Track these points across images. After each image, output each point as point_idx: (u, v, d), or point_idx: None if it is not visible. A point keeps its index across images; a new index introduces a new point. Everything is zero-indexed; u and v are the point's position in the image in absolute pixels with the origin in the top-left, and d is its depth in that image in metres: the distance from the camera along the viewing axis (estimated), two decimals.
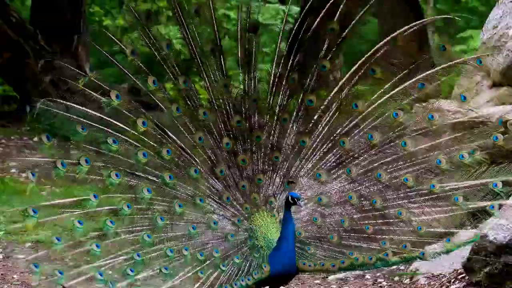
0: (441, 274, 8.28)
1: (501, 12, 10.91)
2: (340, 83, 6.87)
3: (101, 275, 6.51)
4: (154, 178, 6.76)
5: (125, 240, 6.66)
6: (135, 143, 6.75)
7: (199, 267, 6.64)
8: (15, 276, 8.89)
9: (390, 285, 8.72)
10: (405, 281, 8.60)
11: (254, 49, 6.92)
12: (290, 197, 6.57)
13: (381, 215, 6.81)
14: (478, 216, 6.77)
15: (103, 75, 6.94)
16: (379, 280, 8.90)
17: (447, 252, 6.80)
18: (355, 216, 6.83)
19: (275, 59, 6.93)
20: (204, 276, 6.61)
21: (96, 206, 6.63)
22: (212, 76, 6.87)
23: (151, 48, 6.81)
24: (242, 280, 6.63)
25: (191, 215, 6.81)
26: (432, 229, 6.78)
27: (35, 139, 16.14)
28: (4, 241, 10.04)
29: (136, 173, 6.76)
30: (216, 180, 6.87)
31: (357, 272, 8.99)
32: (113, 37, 6.99)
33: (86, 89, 6.71)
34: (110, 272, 6.56)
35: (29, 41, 17.81)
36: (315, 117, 6.90)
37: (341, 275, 8.95)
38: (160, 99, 6.83)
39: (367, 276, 9.03)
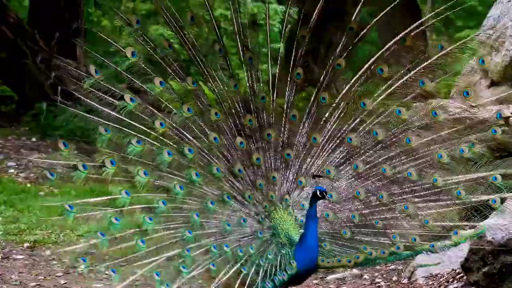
0: (439, 274, 8.29)
1: (498, 11, 10.92)
2: (352, 81, 6.93)
3: (158, 275, 6.55)
4: (180, 178, 6.79)
5: (165, 237, 6.71)
6: (156, 143, 6.76)
7: (239, 263, 6.67)
8: (13, 276, 8.90)
9: (388, 285, 8.72)
10: (403, 281, 8.60)
11: (257, 46, 6.98)
12: (318, 191, 6.58)
13: (389, 210, 6.89)
14: (482, 210, 6.82)
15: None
16: (377, 280, 8.90)
17: (456, 245, 6.82)
18: (364, 212, 6.90)
19: (278, 56, 6.98)
20: (245, 272, 6.64)
21: (129, 204, 6.66)
22: (217, 77, 6.89)
23: (149, 51, 6.81)
24: (279, 275, 6.66)
25: (221, 213, 6.86)
26: (439, 223, 6.85)
27: (33, 139, 16.17)
28: (2, 241, 10.04)
29: (163, 172, 6.78)
30: (235, 179, 6.91)
31: (355, 271, 9.01)
32: (117, 45, 6.89)
33: (95, 91, 6.69)
34: (159, 270, 6.60)
35: (27, 41, 17.80)
36: (326, 115, 6.95)
37: (339, 274, 8.96)
38: (168, 99, 6.85)
39: (365, 276, 9.03)
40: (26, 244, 9.95)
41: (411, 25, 6.92)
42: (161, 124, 6.75)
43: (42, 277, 8.91)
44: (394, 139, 6.91)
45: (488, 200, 6.78)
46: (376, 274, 9.05)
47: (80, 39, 18.69)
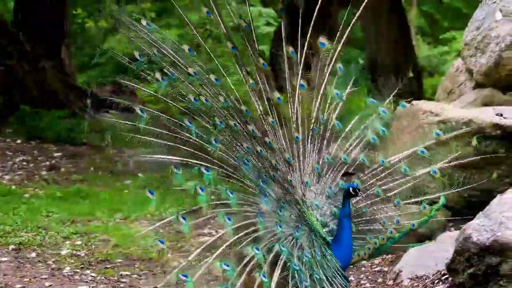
0: (424, 275, 8.30)
1: (484, 13, 10.98)
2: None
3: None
4: (250, 197, 6.77)
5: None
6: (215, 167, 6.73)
7: (316, 269, 6.61)
8: None
9: (373, 286, 8.73)
10: (389, 283, 8.62)
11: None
12: (351, 189, 6.59)
13: (367, 196, 6.96)
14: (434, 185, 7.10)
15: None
16: (362, 282, 8.92)
17: (430, 218, 7.04)
18: (353, 201, 6.87)
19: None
20: (323, 277, 6.59)
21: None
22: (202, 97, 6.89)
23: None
24: (341, 277, 6.65)
25: (288, 224, 6.79)
26: (407, 201, 7.02)
27: (18, 141, 16.13)
28: None
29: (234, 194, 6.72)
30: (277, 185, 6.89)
31: None
32: (149, 91, 6.86)
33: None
34: None
35: (11, 43, 17.74)
36: (290, 112, 6.97)
37: None
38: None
39: (351, 278, 9.03)
40: (11, 246, 9.92)
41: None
42: (215, 141, 6.73)
43: (27, 279, 8.89)
44: (331, 123, 7.01)
45: (429, 171, 7.00)
46: (362, 276, 9.06)
47: (67, 41, 18.74)
